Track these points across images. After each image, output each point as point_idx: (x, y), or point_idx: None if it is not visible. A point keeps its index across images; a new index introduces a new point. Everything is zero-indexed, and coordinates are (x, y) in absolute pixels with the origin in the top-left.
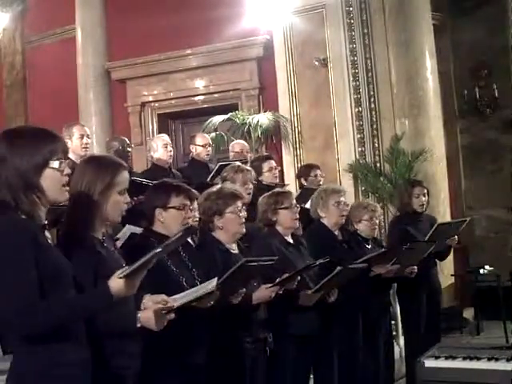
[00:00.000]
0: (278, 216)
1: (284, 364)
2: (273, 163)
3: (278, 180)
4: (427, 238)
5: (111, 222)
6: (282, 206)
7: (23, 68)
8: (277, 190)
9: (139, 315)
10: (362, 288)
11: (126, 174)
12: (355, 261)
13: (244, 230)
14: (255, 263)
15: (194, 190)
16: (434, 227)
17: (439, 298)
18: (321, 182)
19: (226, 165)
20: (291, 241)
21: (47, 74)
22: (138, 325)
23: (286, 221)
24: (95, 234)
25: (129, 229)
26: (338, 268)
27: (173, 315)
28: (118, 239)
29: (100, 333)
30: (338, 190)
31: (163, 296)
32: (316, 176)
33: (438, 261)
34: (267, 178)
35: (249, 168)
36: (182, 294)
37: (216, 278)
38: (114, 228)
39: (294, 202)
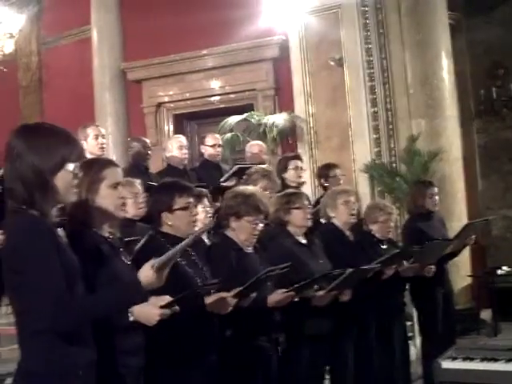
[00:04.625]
0: (290, 216)
1: (299, 364)
2: (299, 163)
3: (301, 180)
4: (454, 236)
5: (112, 218)
6: (295, 206)
7: (39, 69)
8: (290, 190)
9: (132, 309)
10: (376, 288)
11: (115, 170)
12: (367, 261)
13: (255, 240)
14: (275, 272)
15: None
16: (462, 226)
17: (453, 298)
18: (341, 182)
19: (244, 167)
20: (303, 241)
21: (63, 75)
22: (131, 318)
23: (299, 220)
24: (99, 230)
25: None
26: (350, 270)
27: (168, 311)
28: (130, 240)
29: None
30: (347, 190)
31: (167, 297)
32: (335, 176)
33: (451, 261)
34: (291, 176)
35: (276, 178)
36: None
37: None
38: None
39: (307, 202)
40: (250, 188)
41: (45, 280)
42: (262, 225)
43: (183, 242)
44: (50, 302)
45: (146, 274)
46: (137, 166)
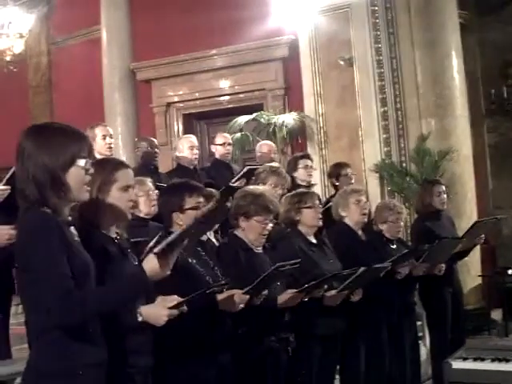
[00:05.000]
0: (301, 215)
1: (309, 364)
2: (309, 162)
3: (311, 179)
4: (462, 235)
5: (121, 220)
6: (306, 205)
7: (49, 69)
8: (300, 189)
9: (141, 309)
10: (387, 288)
11: (127, 172)
12: (379, 261)
13: (264, 240)
14: (285, 268)
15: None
16: (471, 224)
17: (462, 298)
18: (352, 181)
19: (253, 168)
20: (314, 241)
21: (72, 75)
22: (140, 319)
23: (310, 220)
24: (106, 231)
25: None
26: (362, 268)
27: (176, 311)
28: (138, 242)
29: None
30: (358, 190)
31: (174, 296)
32: (347, 175)
33: (461, 261)
34: (301, 174)
35: (285, 174)
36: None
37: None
38: None
39: (318, 202)
40: (259, 188)
41: (52, 277)
42: (271, 225)
43: (183, 227)
44: (56, 300)
45: (151, 264)
46: (146, 166)
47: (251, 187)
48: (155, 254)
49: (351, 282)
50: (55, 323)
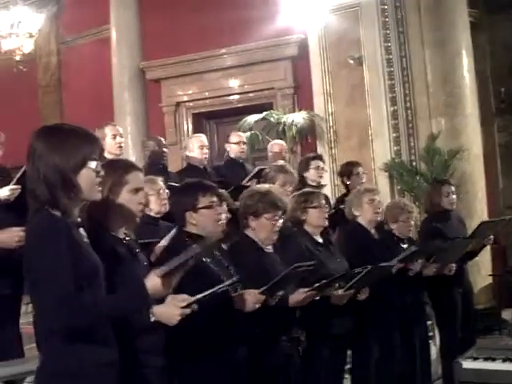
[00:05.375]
0: (307, 215)
1: (318, 363)
2: (321, 163)
3: (322, 180)
4: (470, 235)
5: (130, 222)
6: (312, 205)
7: (58, 68)
8: (307, 189)
9: (153, 309)
10: (398, 286)
11: (138, 175)
12: (392, 259)
13: (276, 237)
14: (302, 268)
15: (214, 185)
16: (477, 225)
17: (472, 298)
18: (363, 180)
19: (264, 168)
20: (320, 240)
21: (82, 75)
22: (152, 319)
23: (315, 220)
24: (115, 233)
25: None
26: (369, 267)
27: (188, 310)
28: (148, 243)
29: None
30: (372, 189)
31: (184, 296)
32: (359, 173)
33: (472, 261)
34: (312, 175)
35: (292, 171)
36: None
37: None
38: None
39: (324, 202)
40: (265, 186)
41: (59, 279)
42: (281, 221)
43: (194, 251)
44: (63, 302)
45: (153, 281)
46: (155, 165)
47: (257, 186)
48: (157, 275)
49: (358, 280)
50: (62, 325)
